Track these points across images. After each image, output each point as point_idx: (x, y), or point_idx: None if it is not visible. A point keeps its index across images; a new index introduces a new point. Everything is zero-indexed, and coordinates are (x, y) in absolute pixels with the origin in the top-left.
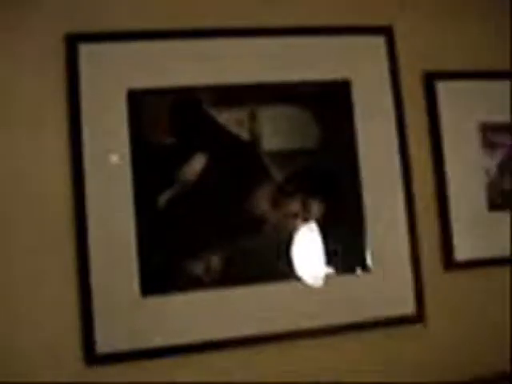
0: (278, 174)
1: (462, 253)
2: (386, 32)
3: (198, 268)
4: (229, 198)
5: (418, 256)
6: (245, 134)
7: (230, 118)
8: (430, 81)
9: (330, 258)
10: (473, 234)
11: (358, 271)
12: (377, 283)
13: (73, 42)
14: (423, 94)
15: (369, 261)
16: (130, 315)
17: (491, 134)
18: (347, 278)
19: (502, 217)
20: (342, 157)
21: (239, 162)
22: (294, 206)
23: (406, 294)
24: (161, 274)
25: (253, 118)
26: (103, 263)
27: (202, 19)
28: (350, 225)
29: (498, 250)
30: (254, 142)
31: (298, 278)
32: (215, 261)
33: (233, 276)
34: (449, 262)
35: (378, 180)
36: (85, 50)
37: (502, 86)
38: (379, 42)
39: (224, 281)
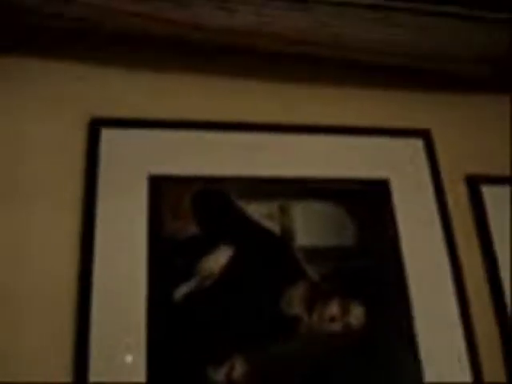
0: (312, 272)
1: None
2: (424, 135)
3: (217, 375)
4: (257, 295)
5: (480, 367)
6: (276, 229)
7: (259, 211)
8: (473, 184)
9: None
10: None
11: None
12: None
13: (96, 126)
14: (467, 196)
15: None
16: None
17: None
18: None
19: None
20: (382, 257)
21: (270, 257)
22: (332, 308)
23: None
24: (173, 380)
25: (284, 212)
26: (104, 365)
27: (238, 114)
28: (399, 334)
29: None
30: (286, 236)
31: None
32: (239, 368)
33: None
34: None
35: (426, 283)
36: (107, 134)
37: None
38: (418, 144)
39: None
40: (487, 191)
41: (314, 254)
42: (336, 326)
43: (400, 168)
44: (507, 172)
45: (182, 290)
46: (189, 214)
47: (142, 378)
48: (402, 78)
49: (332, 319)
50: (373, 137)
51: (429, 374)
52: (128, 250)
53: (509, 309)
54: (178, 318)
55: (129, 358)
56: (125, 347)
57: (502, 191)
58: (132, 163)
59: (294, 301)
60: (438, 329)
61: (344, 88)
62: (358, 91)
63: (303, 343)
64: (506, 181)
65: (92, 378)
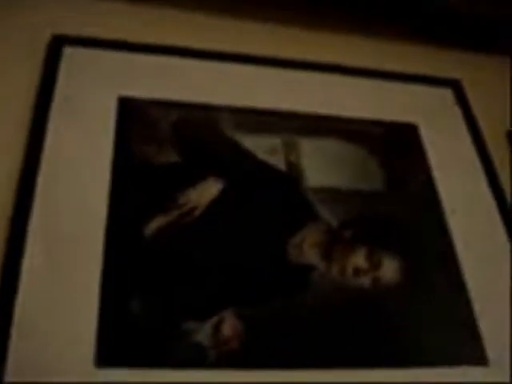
0: (330, 217)
1: None
2: (455, 85)
3: (199, 333)
4: (256, 237)
5: None
6: (281, 164)
7: (257, 145)
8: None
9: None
10: None
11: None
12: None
13: (58, 43)
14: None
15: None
16: None
17: None
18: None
19: None
20: (418, 205)
21: (271, 195)
22: (357, 258)
23: None
24: (136, 337)
25: (290, 147)
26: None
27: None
28: (444, 295)
29: None
30: (293, 174)
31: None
32: (229, 326)
33: (256, 351)
34: None
35: (473, 234)
36: (70, 52)
37: None
38: (447, 93)
39: (242, 358)
40: None
41: (330, 196)
42: (363, 281)
43: (429, 115)
44: None
45: (155, 225)
46: (168, 141)
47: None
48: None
49: (357, 271)
50: (399, 82)
51: (489, 342)
52: (83, 178)
53: None
54: (148, 257)
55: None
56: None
57: None
58: (100, 84)
59: (306, 247)
60: (493, 288)
61: (370, 30)
62: (384, 35)
63: (318, 298)
64: None
65: None
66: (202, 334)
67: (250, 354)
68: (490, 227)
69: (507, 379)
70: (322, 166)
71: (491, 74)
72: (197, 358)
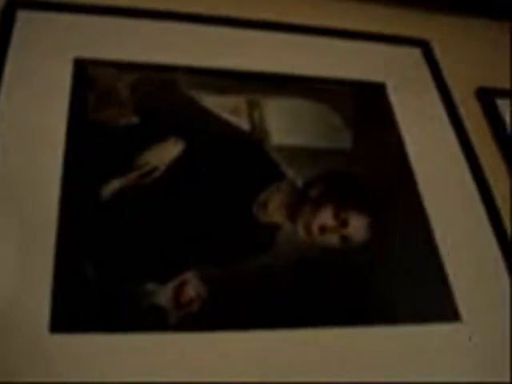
0: (295, 175)
1: None
2: (423, 45)
3: (160, 296)
4: (219, 197)
5: None
6: (244, 124)
7: (220, 105)
8: (486, 97)
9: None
10: None
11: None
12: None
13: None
14: (480, 109)
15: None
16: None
17: None
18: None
19: None
20: (386, 162)
21: (235, 154)
22: (323, 216)
23: None
24: (92, 301)
25: (254, 107)
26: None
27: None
28: (413, 251)
29: None
30: (257, 132)
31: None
32: (191, 288)
33: (218, 313)
34: None
35: (442, 191)
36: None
37: None
38: (416, 53)
39: (203, 320)
40: (502, 104)
41: (295, 154)
42: (331, 239)
43: (398, 74)
44: None
45: (113, 186)
46: (126, 103)
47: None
48: None
49: (323, 230)
50: (368, 42)
51: (459, 298)
52: (38, 142)
53: None
54: (105, 220)
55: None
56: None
57: None
58: (54, 47)
59: (271, 206)
60: (463, 240)
61: None
62: None
63: (283, 258)
64: None
65: None
66: (163, 296)
67: (211, 316)
68: (458, 182)
69: (480, 334)
70: (286, 125)
71: (460, 35)
72: (156, 321)
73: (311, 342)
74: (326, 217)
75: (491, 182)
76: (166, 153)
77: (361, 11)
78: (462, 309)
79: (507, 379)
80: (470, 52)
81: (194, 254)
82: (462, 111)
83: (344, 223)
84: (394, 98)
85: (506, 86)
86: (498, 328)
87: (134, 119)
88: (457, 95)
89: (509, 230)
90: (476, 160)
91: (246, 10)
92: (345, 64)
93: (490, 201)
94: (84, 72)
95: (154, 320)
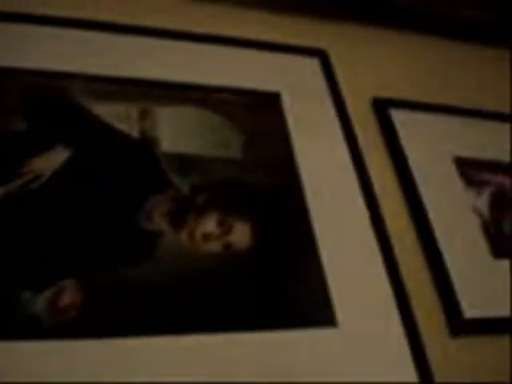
0: (181, 182)
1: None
2: (321, 55)
3: (37, 303)
4: (103, 205)
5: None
6: (134, 132)
7: (112, 113)
8: (381, 107)
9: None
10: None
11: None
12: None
13: None
14: (375, 119)
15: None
16: None
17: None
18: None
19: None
20: (276, 172)
21: (122, 162)
22: (207, 224)
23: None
24: None
25: (145, 115)
26: None
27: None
28: (297, 259)
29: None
30: (146, 141)
31: (214, 330)
32: (68, 296)
33: (95, 320)
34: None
35: (330, 201)
36: None
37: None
38: (314, 63)
39: (80, 328)
40: (396, 115)
41: (184, 163)
42: (213, 246)
43: (294, 84)
44: (415, 97)
45: None
46: (15, 109)
47: None
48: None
49: (206, 237)
50: (264, 51)
51: (338, 303)
52: None
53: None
54: None
55: None
56: None
57: (411, 117)
58: None
59: (156, 213)
60: (347, 250)
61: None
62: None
63: (164, 265)
64: (416, 106)
65: None
66: (38, 304)
67: (88, 324)
68: (347, 193)
69: (354, 339)
70: (177, 134)
71: (359, 44)
72: (30, 330)
73: (194, 348)
74: (210, 224)
75: (379, 189)
76: (52, 160)
77: (258, 20)
78: (339, 314)
79: None
80: (367, 62)
81: (74, 261)
82: (358, 121)
83: (228, 231)
84: (287, 108)
85: (402, 96)
86: (373, 334)
87: (22, 126)
88: (353, 105)
89: (391, 240)
90: (365, 170)
91: (139, 17)
92: (240, 73)
93: (374, 206)
94: None
95: (27, 328)
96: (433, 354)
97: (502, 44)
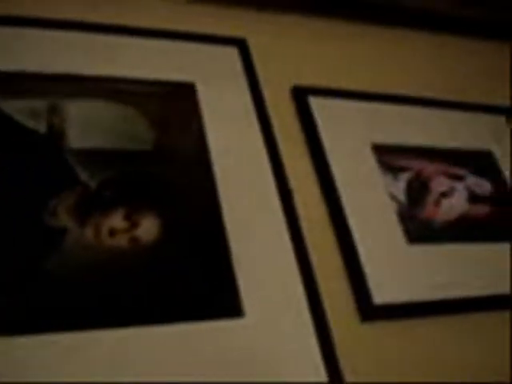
0: (88, 178)
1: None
2: (239, 43)
3: None
4: (9, 205)
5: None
6: (41, 128)
7: (18, 109)
8: (300, 96)
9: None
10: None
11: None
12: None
13: None
14: (294, 107)
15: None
16: None
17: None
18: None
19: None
20: (187, 163)
21: (28, 159)
22: (113, 219)
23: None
24: None
25: (54, 111)
26: None
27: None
28: (207, 250)
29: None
30: (54, 137)
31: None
32: None
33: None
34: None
35: (242, 192)
36: None
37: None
38: (232, 52)
39: None
40: (315, 102)
41: (93, 157)
42: (119, 241)
43: (211, 74)
44: (335, 85)
45: None
46: None
47: None
48: None
49: (112, 232)
50: (180, 41)
51: (247, 294)
52: None
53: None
54: None
55: None
56: None
57: (330, 103)
58: None
59: (60, 210)
60: (257, 240)
61: None
62: None
63: (69, 262)
64: (336, 94)
65: None
66: None
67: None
68: (260, 181)
69: (262, 329)
70: (86, 128)
71: (278, 32)
72: None
73: (95, 344)
74: (116, 219)
75: (294, 176)
76: None
77: (176, 10)
78: (246, 304)
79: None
80: (287, 50)
81: None
82: (276, 110)
83: (135, 225)
84: (202, 98)
85: (322, 84)
86: (281, 323)
87: None
88: (272, 94)
89: (303, 228)
90: (279, 157)
91: (48, 10)
92: (155, 64)
93: (287, 193)
94: None
95: None
96: (342, 340)
97: (424, 27)
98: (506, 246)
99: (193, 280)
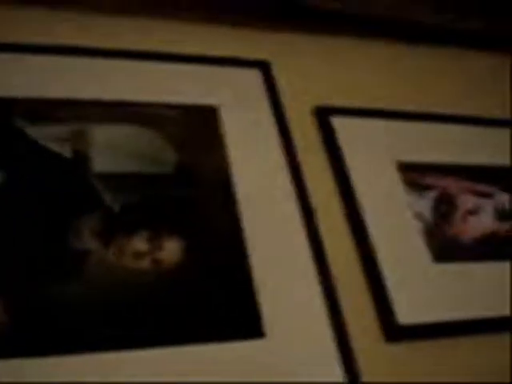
0: (112, 202)
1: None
2: (263, 66)
3: None
4: (35, 225)
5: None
6: (67, 152)
7: (45, 135)
8: (322, 116)
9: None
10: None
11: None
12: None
13: None
14: (316, 128)
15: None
16: None
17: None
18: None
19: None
20: (209, 186)
21: (55, 183)
22: (137, 242)
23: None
24: None
25: (79, 136)
26: None
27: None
28: (228, 272)
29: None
30: (79, 161)
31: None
32: None
33: (26, 340)
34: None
35: (265, 215)
36: None
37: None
38: (256, 75)
39: (6, 349)
40: (338, 122)
41: (117, 181)
42: (142, 263)
43: (234, 97)
44: (357, 104)
45: None
46: None
47: None
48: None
49: (137, 255)
50: (203, 65)
51: (268, 315)
52: None
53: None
54: None
55: None
56: None
57: (353, 123)
58: None
59: (85, 233)
60: (280, 266)
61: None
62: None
63: (94, 283)
64: (358, 113)
65: None
66: None
67: (14, 344)
68: (283, 203)
69: (283, 349)
70: (111, 153)
71: (302, 54)
72: None
73: (119, 366)
74: (140, 242)
75: (318, 197)
76: None
77: (198, 33)
78: (267, 326)
79: None
80: (308, 71)
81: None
82: (299, 131)
83: (158, 247)
84: (225, 121)
85: (346, 103)
86: (303, 344)
87: None
88: (295, 115)
89: (327, 252)
90: (301, 178)
91: (69, 37)
92: (179, 88)
93: (311, 216)
94: None
95: None
96: (366, 361)
97: (442, 45)
98: None
99: (215, 302)
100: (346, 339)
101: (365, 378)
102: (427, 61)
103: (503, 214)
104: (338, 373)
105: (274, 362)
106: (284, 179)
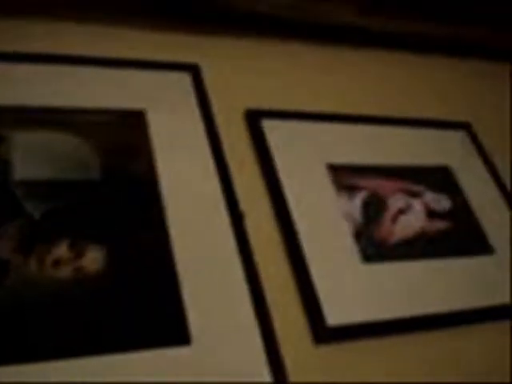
0: (32, 209)
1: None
2: (192, 69)
3: None
4: None
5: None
6: None
7: None
8: (253, 119)
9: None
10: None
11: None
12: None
13: None
14: (247, 131)
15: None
16: None
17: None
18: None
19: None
20: (136, 191)
21: None
22: (57, 250)
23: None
24: None
25: (2, 142)
26: None
27: None
28: (152, 280)
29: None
30: (2, 168)
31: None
32: None
33: None
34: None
35: (192, 219)
36: None
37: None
38: (185, 78)
39: None
40: (268, 125)
41: (38, 188)
42: (63, 272)
43: (162, 100)
44: (288, 107)
45: None
46: None
47: None
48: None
49: (56, 263)
50: (131, 69)
51: (194, 321)
52: None
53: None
54: None
55: None
56: None
57: (284, 125)
58: None
59: (4, 242)
60: (207, 267)
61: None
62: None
63: (13, 294)
64: (289, 116)
65: None
66: None
67: None
68: (211, 207)
69: (210, 355)
70: (32, 160)
71: (232, 57)
72: None
73: (42, 377)
74: (61, 250)
75: (247, 198)
76: None
77: (127, 38)
78: (194, 332)
79: None
80: (239, 74)
81: None
82: (229, 134)
83: (79, 255)
84: (153, 126)
85: (276, 107)
86: (231, 348)
87: None
88: (225, 118)
89: (254, 251)
90: (230, 181)
91: None
92: (105, 93)
93: (239, 217)
94: None
95: None
96: (295, 363)
97: (373, 46)
98: (463, 262)
99: (139, 309)
100: (275, 342)
101: (294, 381)
102: (357, 62)
103: (433, 213)
104: (266, 378)
105: (200, 369)
106: (212, 182)
